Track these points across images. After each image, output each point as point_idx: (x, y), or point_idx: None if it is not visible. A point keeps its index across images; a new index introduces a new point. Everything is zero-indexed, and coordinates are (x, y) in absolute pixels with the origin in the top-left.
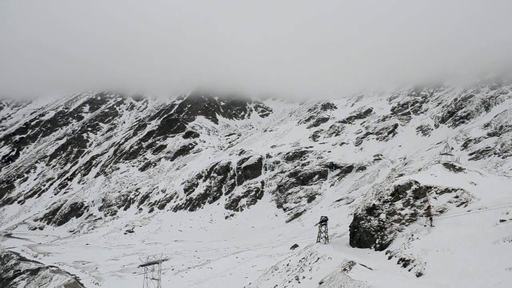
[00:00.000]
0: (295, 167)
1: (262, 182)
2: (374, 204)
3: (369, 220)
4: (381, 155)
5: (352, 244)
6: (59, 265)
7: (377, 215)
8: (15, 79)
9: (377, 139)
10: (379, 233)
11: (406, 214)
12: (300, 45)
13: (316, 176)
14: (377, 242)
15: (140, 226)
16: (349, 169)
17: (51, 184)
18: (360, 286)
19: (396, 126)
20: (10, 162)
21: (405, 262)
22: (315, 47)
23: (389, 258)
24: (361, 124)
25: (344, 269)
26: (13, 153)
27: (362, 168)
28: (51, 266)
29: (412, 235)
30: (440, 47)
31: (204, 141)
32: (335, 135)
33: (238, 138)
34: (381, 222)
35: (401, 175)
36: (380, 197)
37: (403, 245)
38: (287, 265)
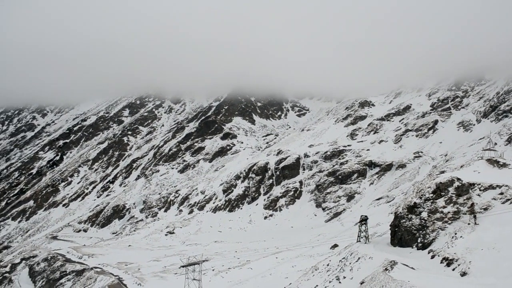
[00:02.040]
0: (334, 166)
1: (300, 182)
2: (415, 202)
3: (410, 219)
4: (421, 152)
5: (393, 243)
6: (103, 266)
7: (418, 213)
8: (57, 86)
9: (416, 136)
10: (420, 232)
11: (449, 212)
12: (336, 43)
13: (355, 175)
14: (419, 241)
15: (181, 228)
16: (388, 167)
17: (94, 187)
18: (403, 286)
19: (436, 122)
20: (54, 166)
21: (448, 261)
22: (351, 44)
23: (432, 257)
24: (399, 121)
25: (386, 269)
26: (57, 157)
27: (402, 166)
28: (95, 267)
29: (456, 234)
30: (480, 39)
31: (242, 142)
32: (374, 133)
33: (275, 138)
34: (423, 221)
35: (442, 172)
36: (421, 195)
37: (446, 244)
38: (327, 265)
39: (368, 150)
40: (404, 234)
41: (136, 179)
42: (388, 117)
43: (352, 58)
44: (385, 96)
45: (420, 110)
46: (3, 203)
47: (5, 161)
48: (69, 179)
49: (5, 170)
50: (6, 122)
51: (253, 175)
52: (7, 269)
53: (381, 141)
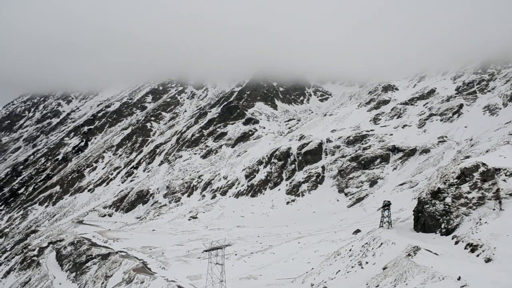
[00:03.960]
0: (356, 151)
1: (323, 167)
2: (439, 188)
3: (434, 204)
4: (446, 136)
5: (417, 229)
6: (127, 250)
7: (442, 199)
8: (82, 73)
9: (441, 120)
10: (444, 217)
11: (473, 198)
12: (359, 26)
13: (378, 160)
14: (442, 226)
15: (203, 212)
16: (412, 152)
17: (118, 173)
18: (426, 272)
19: (461, 106)
20: (80, 152)
21: (473, 247)
22: (375, 27)
23: (456, 243)
24: (424, 105)
25: (409, 254)
26: (82, 143)
27: (426, 150)
28: (120, 251)
29: (480, 219)
30: (507, 20)
31: (264, 127)
32: (397, 118)
33: (297, 123)
34: (447, 206)
35: (467, 157)
36: (446, 180)
37: (471, 229)
38: (350, 250)
39: (391, 134)
40: (428, 219)
41: (160, 165)
42: (412, 101)
43: (376, 41)
44: (408, 80)
45: (444, 94)
46: (31, 189)
47: (32, 147)
48: (94, 164)
49: (32, 156)
50: (32, 109)
51: (275, 160)
52: (35, 252)
53: (405, 125)
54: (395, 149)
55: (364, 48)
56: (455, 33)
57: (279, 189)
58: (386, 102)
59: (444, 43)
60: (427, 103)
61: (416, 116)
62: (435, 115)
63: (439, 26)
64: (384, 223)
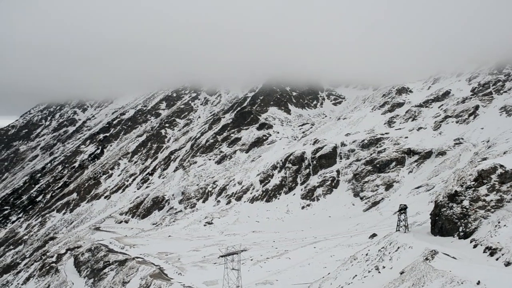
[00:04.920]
0: (371, 154)
1: (338, 171)
2: (456, 191)
3: (451, 207)
4: (462, 138)
5: (434, 232)
6: (144, 256)
7: (459, 202)
8: (97, 82)
9: (456, 122)
10: (462, 220)
11: (492, 200)
12: (372, 29)
13: (393, 163)
14: (460, 230)
15: (219, 218)
16: (427, 155)
17: (133, 180)
18: (444, 276)
19: (477, 107)
20: (96, 159)
21: (492, 251)
22: (387, 29)
23: (474, 246)
24: (439, 107)
25: (426, 258)
26: (98, 151)
27: (442, 153)
28: (137, 257)
29: (499, 222)
30: None
31: (278, 132)
32: (412, 120)
33: (311, 127)
34: (464, 209)
35: (484, 159)
36: (463, 183)
37: (489, 233)
38: (366, 254)
39: (406, 137)
40: (445, 223)
41: (175, 171)
42: (426, 103)
43: (389, 43)
44: (423, 82)
45: (460, 95)
46: (48, 196)
47: (49, 155)
48: (110, 171)
49: (49, 164)
50: (49, 118)
51: (290, 165)
52: (54, 259)
53: (420, 128)
54: (410, 152)
55: (377, 51)
56: (469, 33)
57: (294, 194)
58: (400, 104)
59: (458, 44)
60: (442, 105)
61: (431, 118)
62: (450, 117)
63: (453, 27)
64: (401, 227)
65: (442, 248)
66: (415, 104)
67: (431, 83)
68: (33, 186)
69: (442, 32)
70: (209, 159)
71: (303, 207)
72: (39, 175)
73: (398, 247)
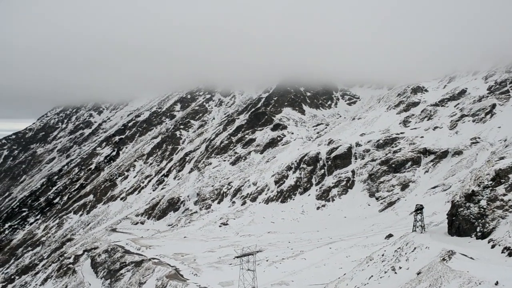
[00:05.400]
0: (386, 154)
1: (353, 171)
2: (473, 190)
3: (469, 207)
4: (479, 138)
5: (451, 232)
6: (160, 257)
7: (477, 201)
8: (112, 84)
9: (473, 121)
10: (479, 220)
11: (510, 200)
12: (385, 27)
13: (409, 163)
14: (478, 230)
15: (234, 219)
16: (444, 155)
17: (149, 181)
18: (462, 277)
19: (494, 106)
20: (111, 161)
21: (510, 251)
22: (401, 28)
23: (492, 247)
24: (455, 106)
25: (443, 259)
26: (114, 153)
27: (458, 152)
28: (153, 258)
29: None
30: None
31: (292, 133)
32: (427, 120)
33: (326, 128)
34: (482, 209)
35: (502, 158)
36: (480, 182)
37: (508, 233)
38: (382, 255)
39: (422, 137)
40: (462, 223)
41: (190, 172)
42: (442, 102)
43: (404, 42)
44: (438, 81)
45: (476, 94)
46: (65, 198)
47: (66, 158)
48: (126, 173)
49: (66, 166)
50: (65, 121)
51: (305, 166)
52: (71, 260)
53: (436, 127)
54: (426, 152)
55: (391, 50)
56: (485, 31)
57: (309, 194)
58: (415, 104)
59: (474, 42)
60: (458, 104)
61: (447, 118)
62: (466, 116)
63: (469, 25)
64: (417, 227)
65: (459, 248)
66: (430, 103)
67: (447, 82)
68: (50, 188)
69: (457, 30)
70: (224, 160)
71: (318, 208)
72: (56, 177)
73: (415, 248)
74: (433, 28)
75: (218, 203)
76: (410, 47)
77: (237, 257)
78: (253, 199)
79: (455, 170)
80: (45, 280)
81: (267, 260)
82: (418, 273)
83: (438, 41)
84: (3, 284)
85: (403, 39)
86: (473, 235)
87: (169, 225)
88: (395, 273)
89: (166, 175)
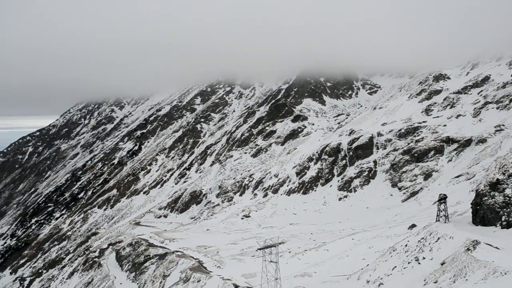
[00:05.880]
0: (409, 144)
1: (375, 162)
2: (497, 179)
3: (493, 196)
4: (503, 125)
5: (475, 222)
6: (183, 250)
7: (501, 190)
8: (133, 79)
9: (497, 108)
10: (505, 209)
11: None
12: (405, 14)
13: (432, 152)
14: (503, 219)
15: (256, 211)
16: (467, 143)
17: (171, 175)
18: (487, 267)
19: None
20: (134, 156)
21: None
22: (422, 14)
23: None
24: (478, 93)
25: (468, 249)
26: (136, 147)
27: (482, 140)
28: (177, 251)
29: None
30: None
31: (313, 124)
32: (450, 108)
33: (346, 118)
34: (507, 198)
35: None
36: (505, 170)
37: None
38: (406, 245)
39: (444, 125)
40: (487, 212)
41: (211, 165)
42: (465, 89)
43: (425, 29)
44: (461, 68)
45: (500, 80)
46: (90, 193)
47: (89, 153)
48: (148, 167)
49: (89, 162)
50: (88, 116)
51: (326, 157)
52: (96, 254)
53: (459, 115)
54: (449, 140)
55: (412, 38)
56: (509, 16)
57: (331, 186)
58: (437, 92)
59: (497, 27)
60: (481, 91)
61: (470, 105)
62: (490, 103)
63: (492, 10)
64: (441, 217)
65: (484, 238)
66: (453, 91)
67: (470, 69)
68: (74, 183)
69: (480, 15)
70: (245, 153)
71: (340, 199)
72: (80, 172)
73: (439, 238)
74: (455, 14)
75: (240, 195)
76: (431, 34)
77: (260, 249)
78: (275, 191)
79: (479, 158)
80: (72, 273)
81: (289, 252)
82: (442, 264)
83: (461, 27)
84: (31, 277)
85: (424, 26)
86: (498, 225)
87: (191, 218)
88: (419, 263)
89: (188, 169)
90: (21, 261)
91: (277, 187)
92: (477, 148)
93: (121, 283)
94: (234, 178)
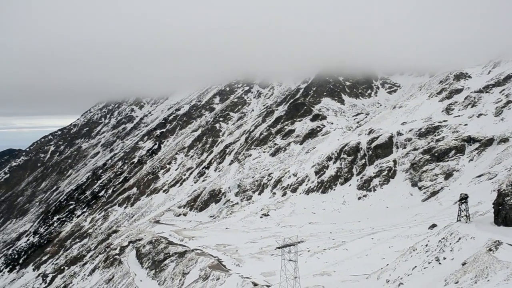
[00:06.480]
0: (429, 143)
1: (394, 161)
2: None
3: None
4: None
5: (497, 222)
6: (203, 248)
7: None
8: (152, 79)
9: None
10: None
11: None
12: (426, 12)
13: (453, 152)
14: None
15: (275, 210)
16: (489, 142)
17: (190, 173)
18: (509, 267)
19: None
20: (153, 155)
21: None
22: (442, 12)
23: None
24: (500, 92)
25: (490, 249)
26: (156, 146)
27: (504, 140)
28: (196, 249)
29: None
30: None
31: (332, 123)
32: (471, 107)
33: (366, 117)
34: None
35: None
36: None
37: None
38: (426, 245)
39: (465, 125)
40: (509, 212)
41: (230, 164)
42: (486, 88)
43: (445, 28)
44: (482, 66)
45: None
46: (110, 191)
47: (109, 152)
48: (167, 166)
49: (109, 160)
50: (108, 116)
51: (345, 156)
52: (117, 251)
53: (480, 114)
54: (470, 140)
55: (433, 36)
56: None
57: (350, 185)
58: (458, 91)
59: None
60: (503, 89)
61: (492, 104)
62: None
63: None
64: (462, 217)
65: (506, 238)
66: (474, 90)
67: (491, 67)
68: (95, 181)
69: (502, 13)
70: (264, 152)
71: (359, 198)
72: (100, 171)
73: (460, 238)
74: (477, 12)
75: (259, 194)
76: (452, 33)
77: (279, 247)
78: (294, 190)
79: (501, 158)
80: (93, 270)
81: (308, 251)
82: (463, 264)
83: (482, 26)
84: (54, 274)
85: (445, 25)
86: None
87: (210, 217)
88: (439, 263)
89: (207, 167)
90: (44, 258)
91: (296, 186)
92: (499, 148)
93: (141, 280)
94: (253, 177)
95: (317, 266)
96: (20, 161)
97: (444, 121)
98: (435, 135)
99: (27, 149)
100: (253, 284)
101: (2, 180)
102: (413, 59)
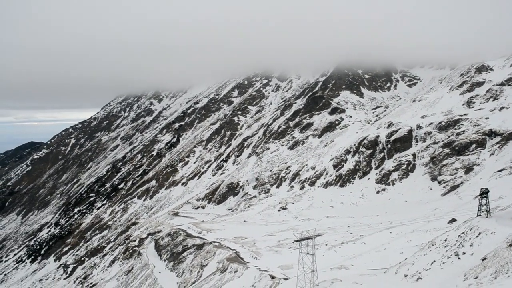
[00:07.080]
0: (449, 137)
1: (414, 155)
2: None
3: None
4: None
5: None
6: (220, 241)
7: None
8: (171, 72)
9: None
10: None
11: None
12: (446, 5)
13: (473, 146)
14: None
15: (293, 203)
16: (511, 136)
17: (209, 166)
18: None
19: None
20: (172, 148)
21: None
22: (462, 5)
23: None
24: None
25: (510, 245)
26: (174, 139)
27: None
28: (214, 242)
29: None
30: None
31: (350, 116)
32: (493, 100)
33: (385, 110)
34: None
35: None
36: None
37: None
38: (445, 240)
39: (487, 118)
40: None
41: (248, 157)
42: (509, 81)
43: (466, 20)
44: (504, 59)
45: None
46: (129, 184)
47: (129, 145)
48: (186, 159)
49: (129, 153)
50: (127, 109)
51: (364, 149)
52: (136, 243)
53: (502, 108)
54: (491, 133)
55: (454, 28)
56: None
57: (368, 179)
58: (480, 84)
59: None
60: None
61: None
62: None
63: None
64: (482, 211)
65: None
66: (496, 82)
67: None
68: (115, 174)
69: None
70: (282, 145)
71: (378, 192)
72: (120, 163)
73: (480, 233)
74: (498, 4)
75: (277, 187)
76: (473, 26)
77: (296, 241)
78: (312, 184)
79: None
80: (112, 261)
81: (326, 244)
82: (483, 259)
83: (504, 18)
84: (74, 265)
85: (466, 17)
86: None
87: (228, 209)
88: (459, 258)
89: (225, 160)
90: (65, 249)
91: (314, 180)
92: None
93: (160, 272)
94: (271, 170)
95: (334, 260)
96: (42, 153)
97: (465, 114)
98: (455, 129)
99: (48, 142)
100: (270, 277)
101: (25, 172)
102: (434, 52)
